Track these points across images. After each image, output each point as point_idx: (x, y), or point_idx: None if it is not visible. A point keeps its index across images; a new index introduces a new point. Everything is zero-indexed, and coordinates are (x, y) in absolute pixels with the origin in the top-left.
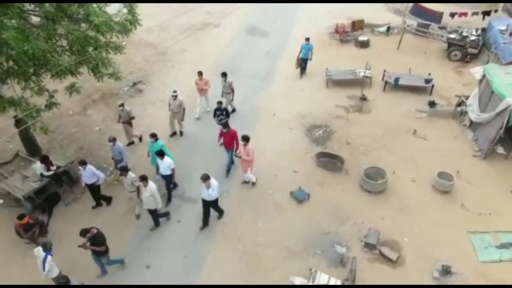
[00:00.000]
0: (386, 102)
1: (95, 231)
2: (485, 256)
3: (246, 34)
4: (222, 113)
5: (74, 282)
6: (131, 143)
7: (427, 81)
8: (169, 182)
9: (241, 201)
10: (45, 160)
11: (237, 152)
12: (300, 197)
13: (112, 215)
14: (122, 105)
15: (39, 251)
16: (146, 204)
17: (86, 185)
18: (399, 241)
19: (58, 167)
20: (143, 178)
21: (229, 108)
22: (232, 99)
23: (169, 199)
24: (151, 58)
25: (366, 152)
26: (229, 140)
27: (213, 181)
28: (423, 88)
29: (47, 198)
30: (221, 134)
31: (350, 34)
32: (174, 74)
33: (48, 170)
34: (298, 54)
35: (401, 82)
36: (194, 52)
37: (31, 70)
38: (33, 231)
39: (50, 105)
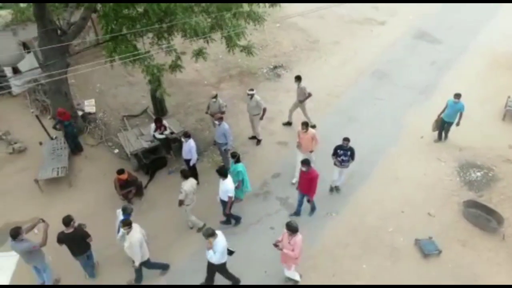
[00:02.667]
0: None
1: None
2: None
3: (412, 38)
4: (346, 154)
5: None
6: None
7: None
8: (225, 209)
9: (352, 229)
10: (158, 123)
11: (277, 242)
12: (427, 250)
13: (205, 199)
14: (216, 96)
15: (120, 213)
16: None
17: (185, 160)
18: None
19: (172, 133)
20: (125, 224)
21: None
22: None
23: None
24: (300, 44)
25: None
26: (306, 182)
27: (220, 241)
28: None
29: (154, 161)
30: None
31: None
32: (319, 65)
33: (161, 133)
34: (440, 113)
35: None
36: (348, 46)
37: (164, 26)
38: (129, 189)
39: (174, 66)
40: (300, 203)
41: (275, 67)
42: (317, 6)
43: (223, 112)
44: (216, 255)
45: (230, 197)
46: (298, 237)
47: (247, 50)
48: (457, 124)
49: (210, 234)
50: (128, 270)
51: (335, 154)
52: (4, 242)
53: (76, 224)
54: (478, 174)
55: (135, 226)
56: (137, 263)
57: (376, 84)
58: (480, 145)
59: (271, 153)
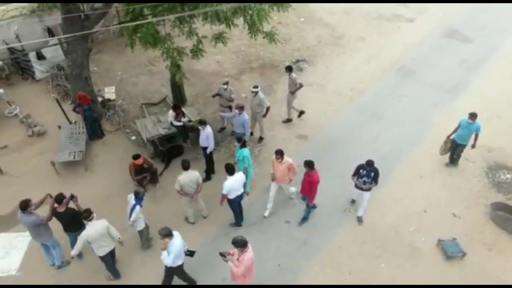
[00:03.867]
0: None
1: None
2: None
3: (441, 36)
4: (368, 175)
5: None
6: (223, 129)
7: None
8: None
9: (370, 227)
10: (176, 109)
11: (228, 253)
12: (450, 252)
13: (218, 189)
14: (227, 83)
15: (131, 198)
16: None
17: (202, 148)
18: None
19: (189, 121)
20: (86, 216)
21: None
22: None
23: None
24: (324, 39)
25: None
26: (306, 185)
27: (175, 243)
28: None
29: (170, 149)
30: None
31: None
32: (343, 60)
33: (178, 120)
34: (451, 134)
35: None
36: (374, 43)
37: (186, 8)
38: (144, 175)
39: (196, 51)
40: (307, 211)
41: (298, 61)
42: None
43: (232, 99)
44: (170, 257)
45: (223, 195)
46: (247, 255)
47: (270, 36)
48: (473, 146)
49: (167, 234)
50: (140, 254)
51: (357, 174)
52: (18, 222)
53: (68, 199)
54: (508, 176)
55: (101, 221)
56: (72, 253)
57: (401, 82)
58: (510, 146)
59: (291, 146)
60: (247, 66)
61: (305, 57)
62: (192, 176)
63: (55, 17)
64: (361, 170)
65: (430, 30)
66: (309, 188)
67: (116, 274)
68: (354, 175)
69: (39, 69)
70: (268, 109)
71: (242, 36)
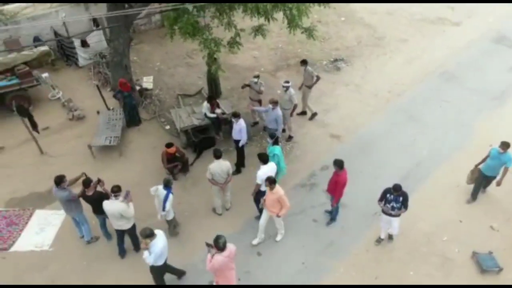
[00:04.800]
0: None
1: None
2: None
3: (489, 41)
4: (397, 199)
5: None
6: (256, 123)
7: None
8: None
9: (401, 233)
10: (212, 101)
11: (211, 246)
12: (485, 265)
13: (247, 183)
14: (258, 76)
15: (157, 189)
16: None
17: (234, 141)
18: None
19: (223, 113)
20: (114, 191)
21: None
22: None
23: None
24: (364, 39)
25: None
26: (332, 183)
27: (157, 243)
28: None
29: (202, 140)
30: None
31: None
32: (383, 62)
33: (212, 112)
34: (479, 163)
35: None
36: (416, 45)
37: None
38: (175, 164)
39: (232, 44)
40: (335, 210)
41: (336, 60)
42: None
43: (261, 92)
44: (151, 257)
45: (257, 185)
46: (218, 258)
47: (309, 32)
48: (498, 184)
49: (147, 235)
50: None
51: (383, 199)
52: (55, 200)
53: (95, 183)
54: None
55: (119, 205)
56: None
57: (443, 86)
58: None
59: (323, 145)
60: (284, 63)
61: (344, 56)
62: (223, 165)
63: (101, 7)
64: (388, 195)
65: (477, 35)
66: (334, 187)
67: (122, 252)
68: (380, 200)
69: (83, 56)
70: (295, 107)
71: (280, 32)
